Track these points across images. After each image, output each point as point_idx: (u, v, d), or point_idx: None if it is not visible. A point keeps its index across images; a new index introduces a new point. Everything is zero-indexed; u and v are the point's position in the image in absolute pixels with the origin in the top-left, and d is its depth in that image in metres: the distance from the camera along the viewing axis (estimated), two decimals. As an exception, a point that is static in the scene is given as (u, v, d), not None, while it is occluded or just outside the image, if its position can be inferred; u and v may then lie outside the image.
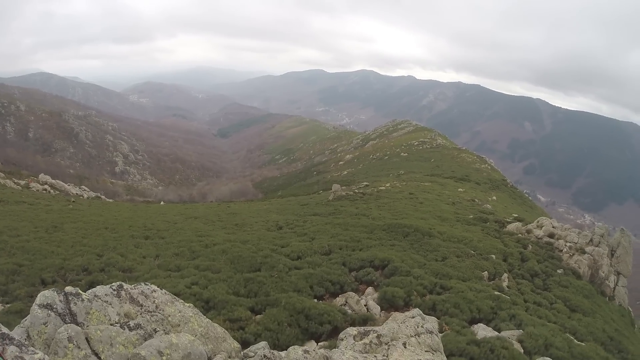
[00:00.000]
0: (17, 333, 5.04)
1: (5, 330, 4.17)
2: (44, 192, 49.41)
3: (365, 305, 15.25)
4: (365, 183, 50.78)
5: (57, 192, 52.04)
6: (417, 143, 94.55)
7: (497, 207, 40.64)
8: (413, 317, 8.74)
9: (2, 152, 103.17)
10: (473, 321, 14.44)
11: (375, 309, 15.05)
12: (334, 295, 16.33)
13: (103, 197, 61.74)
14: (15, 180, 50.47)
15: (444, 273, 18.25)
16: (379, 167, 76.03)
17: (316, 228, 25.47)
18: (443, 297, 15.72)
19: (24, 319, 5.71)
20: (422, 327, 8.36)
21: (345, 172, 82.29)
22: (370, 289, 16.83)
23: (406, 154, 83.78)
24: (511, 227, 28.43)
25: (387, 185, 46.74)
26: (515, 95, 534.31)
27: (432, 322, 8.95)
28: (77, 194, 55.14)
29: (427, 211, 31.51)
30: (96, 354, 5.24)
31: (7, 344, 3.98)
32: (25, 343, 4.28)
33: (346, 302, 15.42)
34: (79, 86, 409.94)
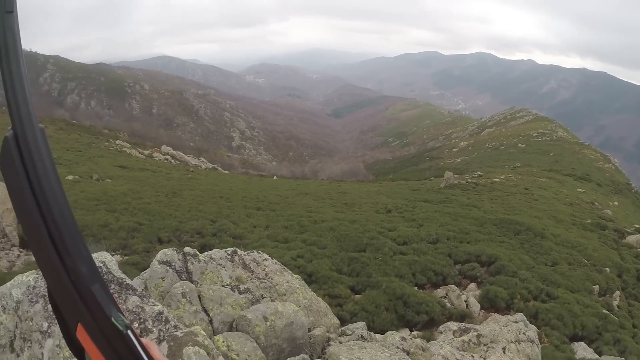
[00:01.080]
0: (136, 283, 5.42)
1: (128, 281, 4.49)
2: (166, 161, 52.88)
3: (465, 301, 14.75)
4: (478, 173, 49.04)
5: (178, 162, 55.52)
6: (536, 134, 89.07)
7: (618, 214, 37.58)
8: (516, 322, 8.39)
9: (128, 125, 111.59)
10: (574, 338, 13.35)
11: (475, 306, 14.50)
12: (436, 285, 16.00)
13: (220, 168, 64.66)
14: (140, 151, 54.61)
15: (552, 280, 17.01)
16: (494, 157, 72.93)
17: (425, 215, 25.03)
18: (547, 305, 14.65)
19: (143, 272, 6.16)
20: (523, 334, 7.99)
21: (459, 160, 79.79)
22: (472, 285, 16.25)
23: (524, 145, 79.35)
24: (631, 239, 25.86)
25: (502, 177, 44.81)
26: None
27: (533, 331, 8.52)
28: (195, 164, 58.39)
29: (541, 209, 29.80)
30: (205, 311, 5.53)
31: (130, 294, 4.27)
32: (146, 294, 4.59)
33: (447, 294, 15.04)
34: (198, 68, 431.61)
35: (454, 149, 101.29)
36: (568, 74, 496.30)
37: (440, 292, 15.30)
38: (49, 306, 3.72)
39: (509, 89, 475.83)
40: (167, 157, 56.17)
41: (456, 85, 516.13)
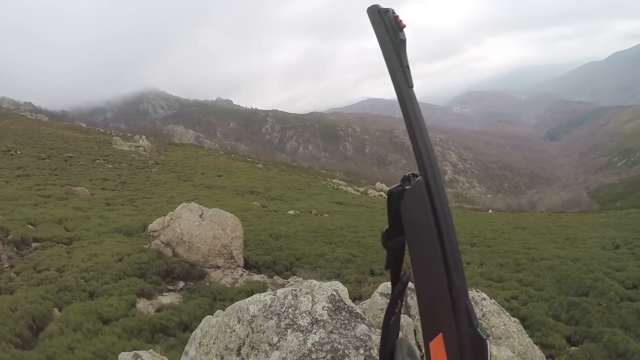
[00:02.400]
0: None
1: (358, 310, 4.72)
2: (380, 197, 54.60)
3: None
4: None
5: (392, 197, 57.19)
6: None
7: None
8: None
9: (343, 165, 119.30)
10: None
11: None
12: (668, 342, 13.60)
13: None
14: (355, 188, 57.66)
15: None
16: None
17: (661, 251, 21.74)
18: None
19: (363, 302, 6.41)
20: None
21: None
22: None
23: None
24: None
25: None
26: None
27: None
28: (408, 199, 59.51)
29: None
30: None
31: (358, 322, 4.49)
32: (373, 323, 4.79)
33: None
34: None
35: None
36: None
37: (673, 350, 12.96)
38: (282, 323, 4.21)
39: None
40: (381, 193, 58.00)
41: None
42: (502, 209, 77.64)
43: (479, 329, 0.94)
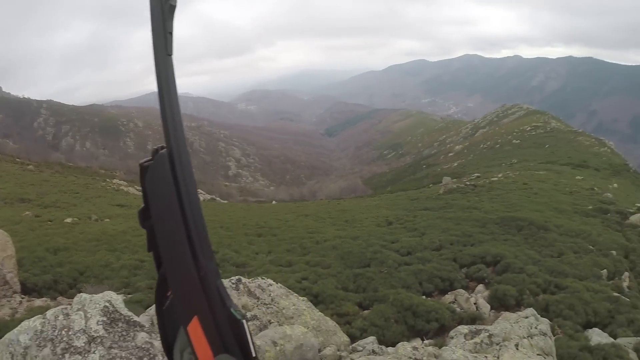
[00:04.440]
0: (143, 320, 5.50)
1: (135, 318, 4.55)
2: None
3: (474, 304, 14.64)
4: (476, 174, 48.88)
5: (177, 196, 55.79)
6: (529, 128, 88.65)
7: (619, 195, 37.28)
8: (527, 317, 8.44)
9: (124, 164, 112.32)
10: (588, 325, 13.08)
11: (485, 307, 14.39)
12: (443, 292, 15.92)
13: (218, 198, 64.74)
14: (137, 188, 54.73)
15: (560, 271, 16.76)
16: (490, 157, 72.91)
17: (426, 223, 24.93)
18: (557, 297, 14.44)
19: (149, 309, 6.25)
20: (535, 328, 8.03)
21: (456, 164, 79.50)
22: (480, 287, 16.14)
23: (518, 141, 79.28)
24: (634, 218, 25.43)
25: (500, 175, 44.71)
26: (635, 65, 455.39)
27: (545, 324, 8.55)
28: (193, 197, 58.59)
29: (542, 202, 29.63)
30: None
31: (137, 331, 4.34)
32: (154, 330, 4.65)
33: (455, 299, 14.98)
34: (190, 101, 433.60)
35: (450, 154, 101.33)
36: (555, 64, 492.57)
37: (449, 297, 15.23)
38: (58, 349, 3.87)
39: (499, 88, 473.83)
40: (165, 192, 56.39)
41: (446, 90, 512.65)
42: (285, 199, 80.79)
43: (232, 310, 0.94)
